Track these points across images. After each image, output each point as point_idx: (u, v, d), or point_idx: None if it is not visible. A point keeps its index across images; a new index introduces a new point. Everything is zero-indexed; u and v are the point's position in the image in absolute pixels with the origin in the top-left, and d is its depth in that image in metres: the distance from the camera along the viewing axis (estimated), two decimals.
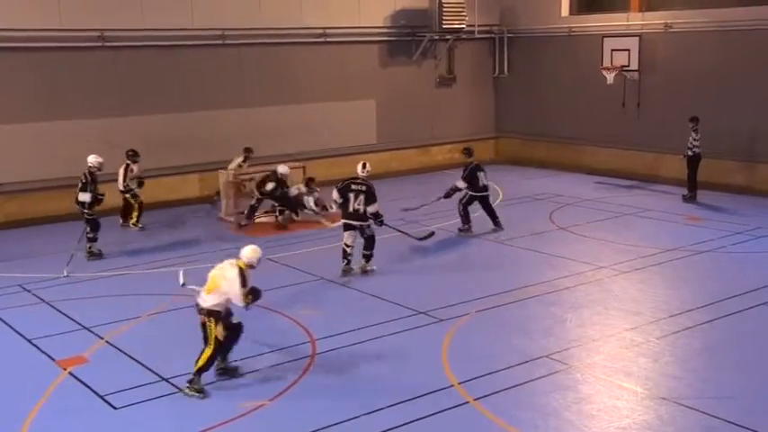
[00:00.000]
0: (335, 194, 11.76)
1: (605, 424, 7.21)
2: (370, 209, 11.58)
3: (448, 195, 14.19)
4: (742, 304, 10.22)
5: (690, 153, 16.26)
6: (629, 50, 18.84)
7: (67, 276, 12.00)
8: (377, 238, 11.97)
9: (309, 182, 15.64)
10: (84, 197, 12.96)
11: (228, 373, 8.32)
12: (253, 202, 15.28)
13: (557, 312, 10.13)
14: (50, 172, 15.94)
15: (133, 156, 15.03)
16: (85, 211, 13.03)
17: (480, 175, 13.95)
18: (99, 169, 13.14)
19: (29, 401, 7.83)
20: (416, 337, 9.42)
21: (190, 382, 7.95)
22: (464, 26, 20.49)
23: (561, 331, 9.47)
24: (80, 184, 13.07)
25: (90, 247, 13.16)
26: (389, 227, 12.62)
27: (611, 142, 19.70)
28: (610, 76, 19.00)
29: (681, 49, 18.35)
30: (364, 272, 11.89)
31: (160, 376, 8.37)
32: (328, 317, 10.10)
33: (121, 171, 14.87)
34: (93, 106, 16.42)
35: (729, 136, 17.40)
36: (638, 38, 18.76)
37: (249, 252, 8.10)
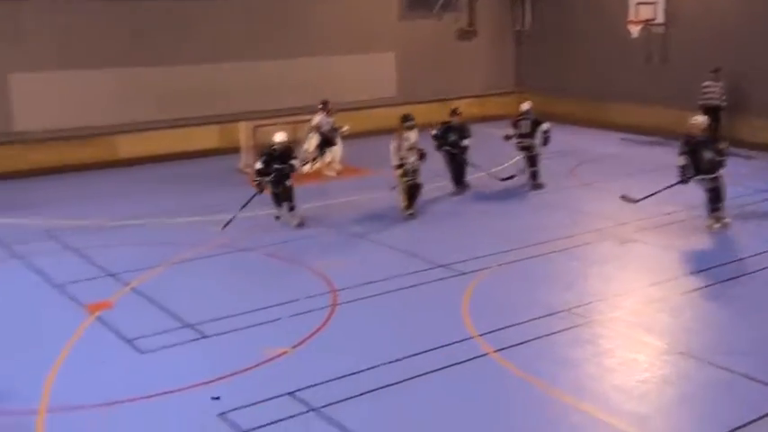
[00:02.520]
0: (681, 159, 11.46)
1: (625, 377, 7.26)
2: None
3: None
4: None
5: (718, 103, 16.16)
6: (654, 4, 18.48)
7: (221, 231, 11.44)
8: None
9: None
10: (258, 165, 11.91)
11: None
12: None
13: (578, 267, 10.14)
14: (82, 120, 16.27)
15: (406, 121, 12.44)
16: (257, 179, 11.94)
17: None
18: (276, 148, 11.85)
19: (57, 344, 7.98)
20: (437, 289, 9.47)
21: None
22: None
23: (583, 286, 9.49)
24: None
25: (278, 216, 12.06)
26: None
27: (636, 97, 19.39)
28: (635, 30, 18.66)
29: (706, 2, 17.95)
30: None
31: (184, 322, 8.50)
32: (350, 269, 10.15)
33: (394, 142, 12.34)
34: (100, 55, 16.47)
35: (757, 88, 17.10)
36: None
37: None
